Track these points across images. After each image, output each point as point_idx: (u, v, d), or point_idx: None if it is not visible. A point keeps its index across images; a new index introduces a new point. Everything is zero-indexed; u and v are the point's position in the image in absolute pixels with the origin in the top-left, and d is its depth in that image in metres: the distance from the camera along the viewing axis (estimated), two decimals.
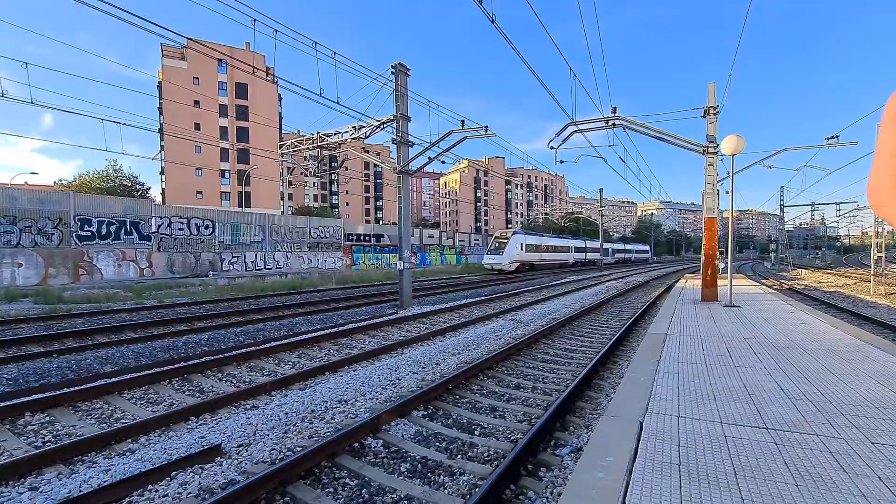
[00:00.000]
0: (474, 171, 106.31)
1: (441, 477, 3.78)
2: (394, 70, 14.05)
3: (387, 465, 3.99)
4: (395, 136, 14.53)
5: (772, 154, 15.84)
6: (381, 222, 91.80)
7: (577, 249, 49.70)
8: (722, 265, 23.39)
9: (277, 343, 8.28)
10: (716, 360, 5.56)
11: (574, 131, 14.14)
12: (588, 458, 2.94)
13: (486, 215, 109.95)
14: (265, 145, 54.09)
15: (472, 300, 15.54)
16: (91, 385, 5.75)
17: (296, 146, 20.48)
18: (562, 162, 17.48)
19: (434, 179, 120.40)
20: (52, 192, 25.72)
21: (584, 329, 10.75)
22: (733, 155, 10.60)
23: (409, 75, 14.36)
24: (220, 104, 58.74)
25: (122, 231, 21.47)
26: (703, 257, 12.47)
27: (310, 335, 9.03)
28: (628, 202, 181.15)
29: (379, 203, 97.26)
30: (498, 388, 6.22)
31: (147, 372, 6.35)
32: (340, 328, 9.91)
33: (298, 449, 4.09)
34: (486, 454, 4.21)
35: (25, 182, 43.90)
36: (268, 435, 4.43)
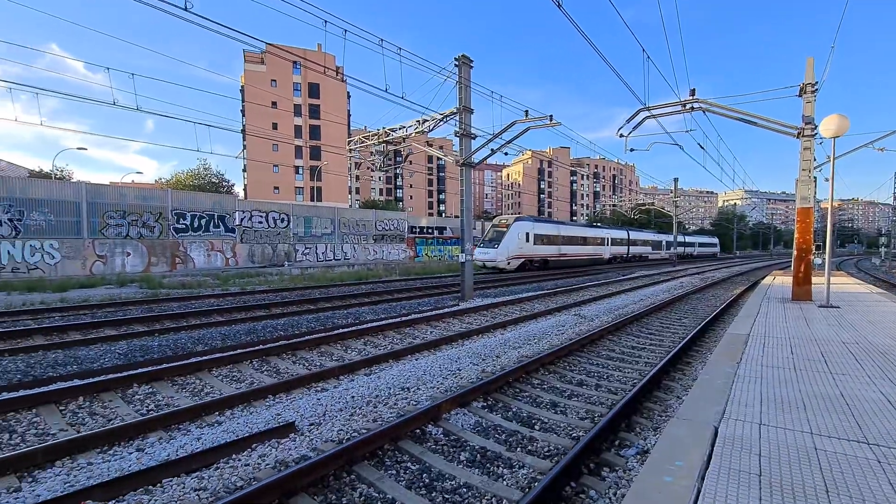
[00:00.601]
0: (538, 161, 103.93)
1: (500, 468, 3.80)
2: (457, 62, 14.06)
3: (446, 453, 4.07)
4: (457, 129, 14.58)
5: (884, 135, 13.92)
6: (443, 215, 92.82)
7: (616, 242, 39.89)
8: (818, 261, 20.97)
9: (345, 330, 8.71)
10: (807, 364, 5.04)
11: (646, 117, 13.34)
12: (655, 460, 2.80)
13: (549, 207, 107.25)
14: (335, 142, 56.75)
15: (533, 293, 15.29)
16: (185, 362, 6.42)
17: (363, 142, 21.24)
18: (632, 150, 16.60)
19: (496, 171, 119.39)
20: (154, 189, 28.90)
21: (654, 327, 10.18)
22: (835, 137, 9.42)
23: (472, 67, 14.30)
24: (294, 104, 62.37)
25: (211, 224, 23.65)
26: (794, 252, 11.27)
27: (375, 324, 9.39)
28: (707, 192, 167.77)
29: (441, 196, 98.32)
30: (559, 383, 6.09)
31: (231, 352, 6.96)
32: (403, 318, 10.20)
33: (364, 431, 4.29)
34: (545, 449, 4.16)
35: (132, 181, 49.59)
36: (336, 416, 4.69)
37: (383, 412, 4.78)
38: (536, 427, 4.68)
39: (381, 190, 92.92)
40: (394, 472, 3.72)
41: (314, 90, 63.52)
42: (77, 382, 5.47)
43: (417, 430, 4.40)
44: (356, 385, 5.65)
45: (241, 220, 24.83)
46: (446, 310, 11.44)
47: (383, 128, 18.73)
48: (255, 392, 5.38)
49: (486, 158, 15.24)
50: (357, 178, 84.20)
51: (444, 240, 36.94)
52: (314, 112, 63.00)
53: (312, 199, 59.17)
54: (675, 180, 39.16)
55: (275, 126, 60.08)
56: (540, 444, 4.26)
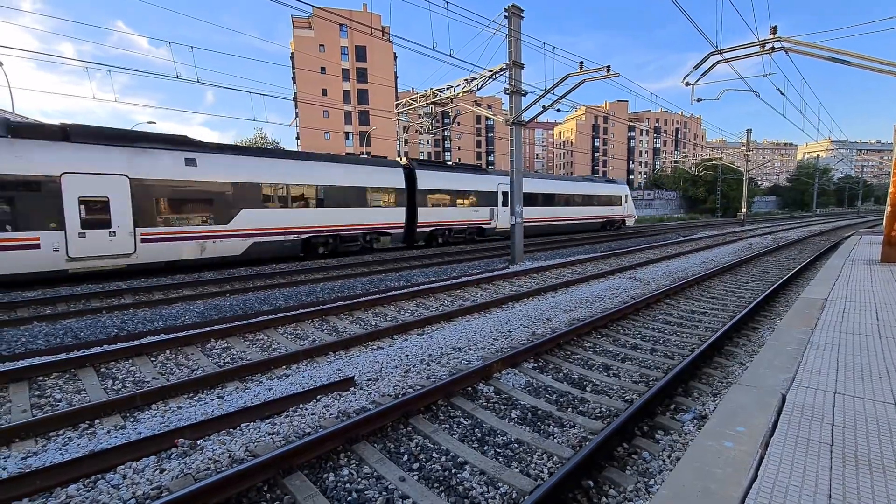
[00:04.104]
0: (592, 117, 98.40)
1: (550, 426, 3.86)
2: (507, 13, 13.34)
3: (497, 410, 4.19)
4: (507, 86, 14.02)
5: None
6: None
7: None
8: None
9: (398, 292, 8.99)
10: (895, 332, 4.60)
11: (718, 62, 12.13)
12: (714, 426, 2.73)
13: (604, 166, 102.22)
14: (383, 105, 56.62)
15: (585, 256, 14.90)
16: (254, 320, 6.94)
17: (410, 104, 21.04)
18: (699, 100, 15.31)
19: (547, 129, 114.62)
20: None
21: (717, 290, 9.65)
22: None
23: (522, 17, 13.52)
24: (342, 68, 62.44)
25: None
26: (888, 207, 10.06)
27: (426, 286, 9.60)
28: (785, 145, 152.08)
29: (490, 157, 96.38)
30: (612, 346, 6.00)
31: (294, 312, 7.43)
32: (454, 280, 10.35)
33: (418, 387, 4.49)
34: (597, 410, 4.16)
35: None
36: (392, 373, 4.93)
37: (436, 370, 4.96)
38: (588, 389, 4.67)
39: (429, 154, 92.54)
40: (447, 426, 3.90)
41: (361, 53, 63.10)
42: (163, 337, 6.10)
43: (469, 388, 4.55)
44: (409, 344, 5.87)
45: None
46: (496, 272, 11.45)
47: (431, 88, 18.37)
48: (317, 349, 5.75)
49: (536, 116, 14.64)
50: (406, 141, 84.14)
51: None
52: (362, 76, 62.85)
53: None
54: (748, 131, 35.77)
55: (324, 92, 60.76)
56: (591, 405, 4.27)
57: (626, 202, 31.54)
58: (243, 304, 8.61)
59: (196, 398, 4.52)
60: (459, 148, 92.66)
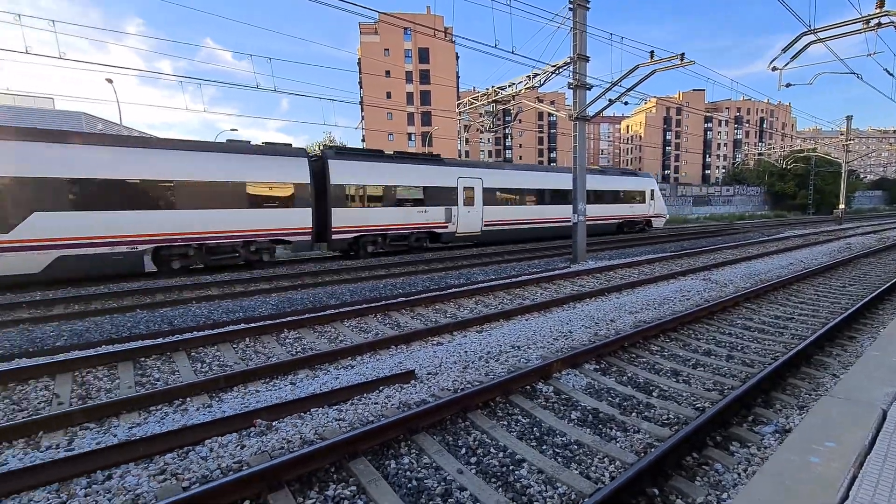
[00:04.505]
0: (663, 109, 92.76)
1: (613, 430, 3.74)
2: (571, 5, 12.98)
3: (557, 410, 4.13)
4: (571, 80, 13.65)
5: None
6: None
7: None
8: None
9: (457, 290, 9.09)
10: None
11: (811, 42, 10.99)
12: (799, 439, 2.51)
13: (676, 161, 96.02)
14: (444, 106, 57.26)
15: (654, 256, 14.12)
16: (322, 314, 7.35)
17: (472, 103, 21.13)
18: (788, 86, 13.97)
19: (614, 124, 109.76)
20: None
21: (807, 295, 8.76)
22: None
23: (588, 9, 13.09)
24: (406, 71, 64.00)
25: None
26: None
27: (485, 284, 9.62)
28: (895, 132, 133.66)
29: (553, 154, 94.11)
30: (682, 351, 5.67)
31: (358, 307, 7.77)
32: (513, 279, 10.27)
33: (477, 383, 4.53)
34: (664, 417, 3.97)
35: None
36: (451, 368, 5.01)
37: (494, 367, 4.98)
38: (654, 394, 4.46)
39: (490, 152, 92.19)
40: (505, 422, 3.90)
41: (424, 55, 64.27)
42: (243, 326, 6.64)
43: (528, 387, 4.52)
44: (468, 341, 5.93)
45: None
46: (557, 272, 11.21)
47: (492, 87, 18.34)
48: (380, 342, 5.98)
49: (602, 110, 14.12)
50: (467, 141, 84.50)
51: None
52: (424, 77, 64.01)
53: None
54: (848, 118, 31.95)
55: (388, 95, 62.58)
56: (658, 411, 4.07)
57: (651, 199, 25.70)
58: (312, 297, 9.14)
59: (272, 383, 4.89)
60: (521, 146, 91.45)
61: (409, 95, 64.93)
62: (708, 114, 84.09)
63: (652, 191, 25.84)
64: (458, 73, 67.31)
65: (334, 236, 14.51)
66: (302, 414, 3.98)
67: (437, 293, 8.80)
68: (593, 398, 4.36)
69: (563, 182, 20.92)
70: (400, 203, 15.97)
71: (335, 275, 11.96)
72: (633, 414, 4.03)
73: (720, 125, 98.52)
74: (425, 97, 64.53)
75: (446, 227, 17.09)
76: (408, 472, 3.17)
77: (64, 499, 2.89)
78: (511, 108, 22.92)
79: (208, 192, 12.21)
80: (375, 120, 61.24)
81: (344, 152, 15.58)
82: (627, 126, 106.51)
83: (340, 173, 14.58)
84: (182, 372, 5.30)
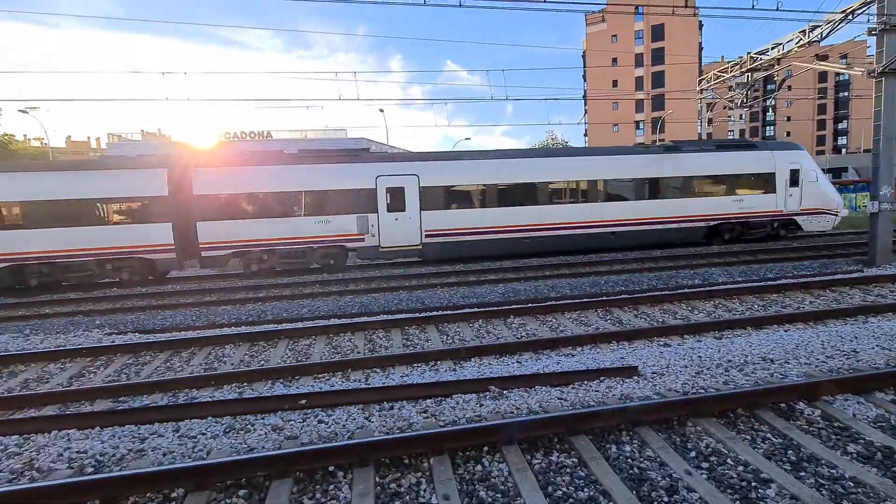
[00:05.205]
0: None
1: None
2: None
3: (825, 438, 3.42)
4: (873, 24, 10.34)
5: None
6: (843, 152, 67.62)
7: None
8: None
9: (690, 290, 8.18)
10: None
11: None
12: None
13: None
14: (681, 86, 50.58)
15: None
16: (544, 304, 7.78)
17: (718, 77, 18.26)
18: None
19: None
20: None
21: None
22: None
23: None
24: (636, 54, 59.25)
25: None
26: None
27: (727, 286, 8.32)
28: None
29: (842, 125, 71.64)
30: None
31: (578, 300, 7.90)
32: (769, 282, 8.55)
33: (712, 390, 4.13)
34: None
35: None
36: (680, 371, 4.68)
37: (736, 377, 4.41)
38: None
39: (742, 131, 76.54)
40: (748, 437, 3.48)
41: (658, 32, 58.15)
42: (476, 310, 7.65)
43: (782, 405, 3.86)
44: (703, 346, 5.39)
45: None
46: (839, 276, 8.75)
47: (747, 53, 15.42)
48: (601, 335, 6.02)
49: None
50: (710, 121, 72.44)
51: (843, 185, 27.23)
52: (657, 58, 57.90)
53: None
54: None
55: (615, 84, 59.18)
56: None
57: (789, 185, 15.53)
58: (535, 289, 9.70)
59: (501, 359, 5.57)
60: (789, 119, 72.94)
61: (638, 81, 59.88)
62: None
63: (796, 169, 15.58)
64: (700, 43, 58.29)
65: (204, 253, 12.87)
66: (528, 388, 4.44)
67: (666, 292, 8.12)
68: (887, 434, 3.41)
69: (568, 170, 14.86)
70: (292, 213, 13.30)
71: (554, 269, 12.30)
72: None
73: None
74: (657, 79, 58.41)
75: (362, 239, 13.61)
76: (629, 459, 3.23)
77: (366, 415, 4.08)
78: (775, 74, 18.78)
79: (56, 211, 11.86)
80: (599, 112, 58.96)
81: (218, 159, 13.68)
82: None
83: (209, 182, 12.82)
84: (432, 341, 6.53)
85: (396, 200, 13.59)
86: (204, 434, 3.77)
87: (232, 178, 12.94)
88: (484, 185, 14.23)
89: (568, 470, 3.14)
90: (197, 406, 4.23)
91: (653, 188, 15.03)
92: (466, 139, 43.87)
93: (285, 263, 13.49)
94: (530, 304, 7.83)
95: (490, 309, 7.56)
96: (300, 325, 7.30)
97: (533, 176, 14.44)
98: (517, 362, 5.39)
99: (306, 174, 13.34)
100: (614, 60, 57.66)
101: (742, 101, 20.18)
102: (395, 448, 3.28)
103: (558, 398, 4.15)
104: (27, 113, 28.89)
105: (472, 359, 5.63)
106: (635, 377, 4.59)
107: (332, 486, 3.03)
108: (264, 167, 13.17)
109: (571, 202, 14.76)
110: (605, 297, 8.04)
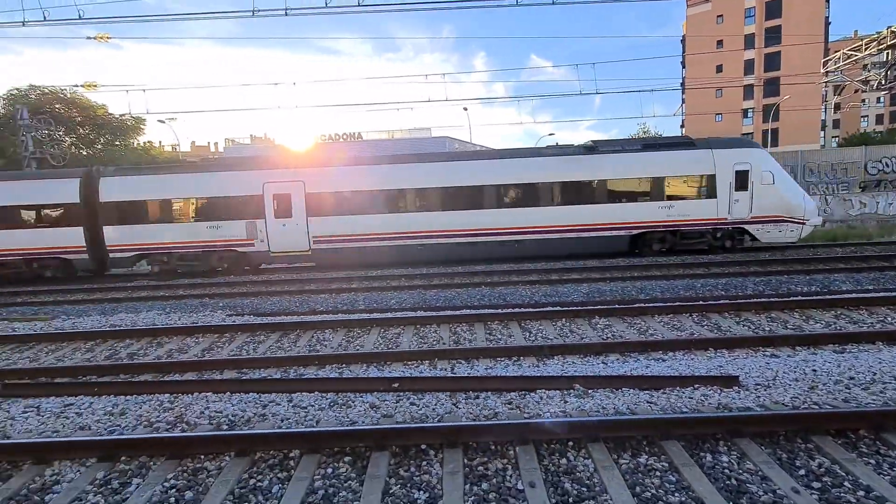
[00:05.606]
0: None
1: None
2: None
3: None
4: None
5: None
6: None
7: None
8: None
9: (804, 298, 7.35)
10: None
11: None
12: None
13: None
14: (801, 68, 44.69)
15: None
16: (632, 306, 7.50)
17: (849, 56, 16.01)
18: None
19: None
20: None
21: None
22: None
23: None
24: (745, 34, 53.46)
25: None
26: None
27: (854, 295, 7.35)
28: None
29: None
30: None
31: (671, 304, 7.48)
32: None
33: (828, 407, 3.77)
34: None
35: None
36: (790, 384, 4.30)
37: (859, 395, 3.96)
38: None
39: (879, 117, 65.62)
40: (873, 461, 3.14)
41: (773, 8, 51.93)
42: (559, 308, 7.58)
43: None
44: (819, 359, 4.88)
45: None
46: None
47: (887, 28, 13.35)
48: (696, 341, 5.69)
49: None
50: (837, 107, 63.15)
51: None
52: (772, 37, 51.72)
53: (765, 146, 49.65)
54: None
55: (719, 69, 53.98)
56: None
57: (737, 188, 13.47)
58: (621, 290, 9.34)
59: (585, 359, 5.51)
60: None
61: (748, 64, 53.95)
62: None
63: (739, 172, 13.43)
64: (827, 18, 50.98)
65: (111, 255, 14.18)
66: (614, 390, 4.38)
67: (774, 299, 7.40)
68: None
69: (461, 174, 14.05)
70: (184, 218, 14.31)
71: (644, 270, 11.69)
72: None
73: None
74: (771, 61, 52.18)
75: (252, 244, 13.99)
76: (726, 470, 3.09)
77: (453, 402, 4.32)
78: None
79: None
80: (699, 101, 54.12)
81: (124, 170, 15.34)
82: None
83: (114, 190, 14.00)
84: (515, 337, 6.62)
85: (283, 207, 13.88)
86: (312, 406, 4.27)
87: (133, 186, 14.12)
88: (370, 191, 14.14)
89: (657, 473, 3.10)
90: (306, 381, 4.78)
91: (565, 193, 14.10)
92: (550, 135, 42.89)
93: (185, 266, 14.38)
94: (616, 306, 7.58)
95: (574, 308, 7.46)
96: (390, 314, 7.81)
97: (423, 181, 14.10)
98: (602, 363, 5.30)
99: (196, 182, 14.24)
100: (719, 43, 52.48)
101: (880, 82, 17.48)
102: (483, 433, 3.47)
103: (647, 402, 4.05)
104: (164, 123, 33.74)
105: (556, 357, 5.64)
106: (735, 387, 4.31)
107: (424, 463, 3.30)
108: (159, 176, 14.47)
109: (466, 209, 13.96)
110: (701, 301, 7.52)
